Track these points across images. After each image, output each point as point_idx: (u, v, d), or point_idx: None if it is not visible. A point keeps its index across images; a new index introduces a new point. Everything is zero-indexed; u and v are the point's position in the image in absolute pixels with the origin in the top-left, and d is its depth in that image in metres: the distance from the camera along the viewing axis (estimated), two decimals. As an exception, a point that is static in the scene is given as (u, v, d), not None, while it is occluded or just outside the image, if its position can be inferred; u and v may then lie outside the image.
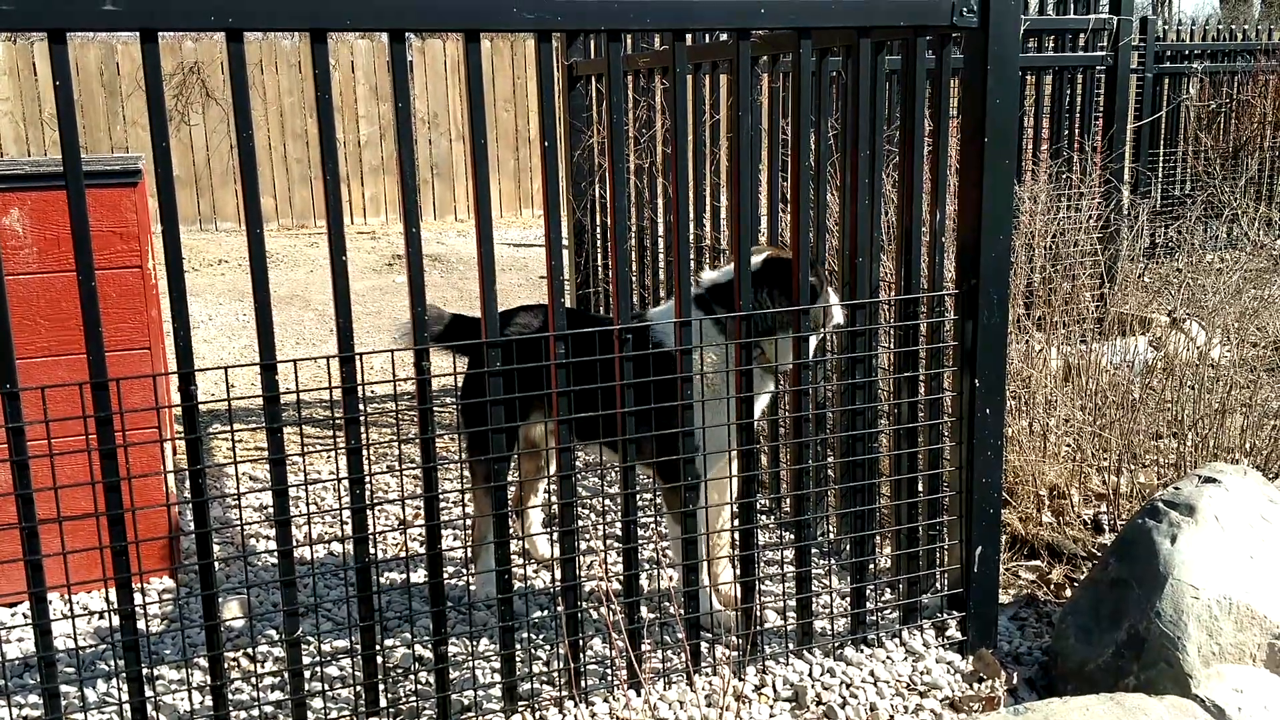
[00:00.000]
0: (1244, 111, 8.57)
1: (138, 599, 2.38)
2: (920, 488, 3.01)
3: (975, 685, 2.86)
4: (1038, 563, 3.52)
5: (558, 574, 2.70)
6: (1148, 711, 2.44)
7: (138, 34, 2.15)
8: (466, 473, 3.26)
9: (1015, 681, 2.89)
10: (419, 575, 3.49)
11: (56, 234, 3.24)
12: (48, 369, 3.25)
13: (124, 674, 2.39)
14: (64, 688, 2.74)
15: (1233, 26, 9.00)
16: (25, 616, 3.28)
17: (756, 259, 2.91)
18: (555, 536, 2.68)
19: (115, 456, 2.29)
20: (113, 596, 2.36)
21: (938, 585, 3.10)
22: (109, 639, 3.08)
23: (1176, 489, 2.93)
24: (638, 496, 2.76)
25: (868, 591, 3.04)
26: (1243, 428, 3.86)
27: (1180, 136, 8.48)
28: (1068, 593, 3.33)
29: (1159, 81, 8.10)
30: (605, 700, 2.77)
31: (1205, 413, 3.84)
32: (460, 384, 3.26)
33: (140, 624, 2.42)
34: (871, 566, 3.06)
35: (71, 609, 2.55)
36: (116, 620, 2.37)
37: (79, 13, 2.07)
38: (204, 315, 8.19)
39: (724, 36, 4.08)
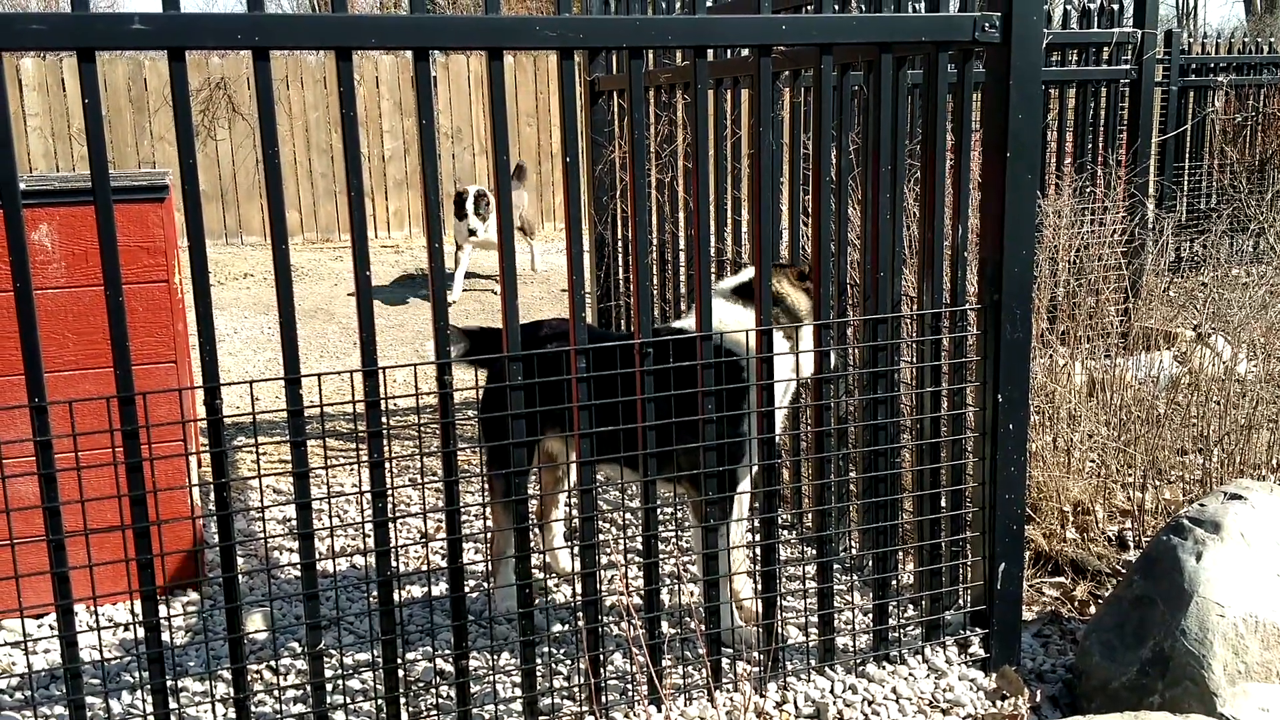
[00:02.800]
0: (1270, 124, 8.51)
1: (162, 611, 2.40)
2: (943, 503, 3.00)
3: (998, 703, 2.84)
4: (1061, 579, 3.50)
5: (579, 588, 2.70)
6: (1173, 730, 2.41)
7: (166, 52, 2.18)
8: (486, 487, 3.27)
9: (1039, 699, 2.87)
10: (440, 589, 3.50)
11: (84, 249, 3.28)
12: (75, 382, 3.29)
13: (148, 685, 2.41)
14: (89, 699, 2.76)
15: (1259, 39, 8.94)
16: (52, 628, 3.31)
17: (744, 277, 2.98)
18: (576, 551, 2.68)
19: (141, 470, 2.32)
20: (138, 608, 2.38)
21: (961, 602, 3.08)
22: (134, 650, 3.11)
23: (1202, 506, 2.91)
24: (658, 511, 2.76)
25: (890, 608, 3.02)
26: (1269, 444, 3.83)
27: (1205, 150, 8.42)
28: (1092, 610, 3.31)
29: (1184, 95, 8.05)
30: (626, 716, 2.77)
31: (1231, 428, 3.81)
32: (481, 397, 3.27)
33: (164, 636, 2.43)
34: (894, 583, 3.05)
35: (97, 621, 2.58)
36: (141, 632, 2.39)
37: (108, 32, 2.10)
38: (229, 329, 8.25)
39: (745, 52, 4.09)
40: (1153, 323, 5.04)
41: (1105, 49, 6.06)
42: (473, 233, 9.28)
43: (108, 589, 3.22)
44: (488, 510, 3.12)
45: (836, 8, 3.54)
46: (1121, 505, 3.82)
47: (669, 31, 2.49)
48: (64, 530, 2.29)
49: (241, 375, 6.79)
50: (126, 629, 3.29)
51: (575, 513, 2.70)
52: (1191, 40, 8.60)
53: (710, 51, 3.74)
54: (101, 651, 2.55)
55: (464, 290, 9.66)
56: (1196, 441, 3.96)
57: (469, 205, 9.30)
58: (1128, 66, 6.02)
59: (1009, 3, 2.67)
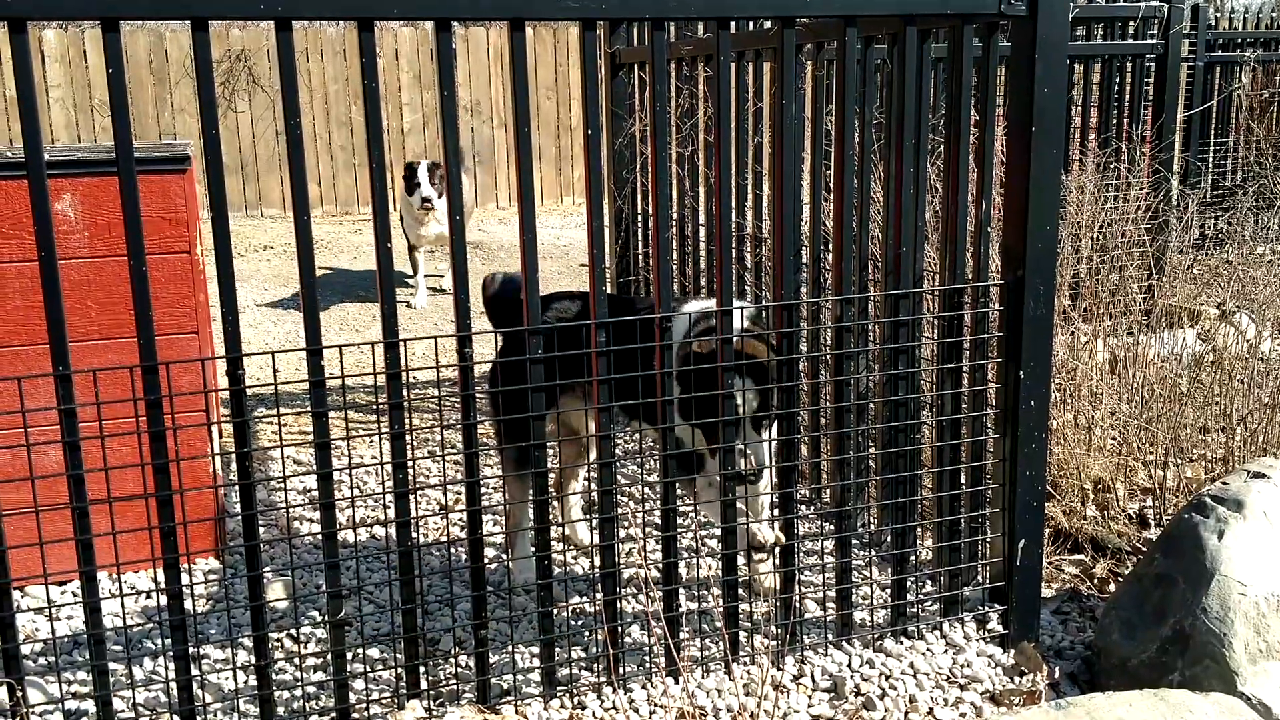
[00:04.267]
0: (1298, 101, 8.40)
1: (184, 579, 2.42)
2: (963, 480, 2.99)
3: (1016, 679, 2.84)
4: (1081, 557, 3.49)
5: (597, 561, 2.71)
6: (1192, 708, 2.41)
7: (188, 22, 2.18)
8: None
9: (1057, 676, 2.86)
10: (460, 559, 3.52)
11: (107, 219, 3.29)
12: (98, 352, 3.30)
13: (171, 652, 2.44)
14: (112, 665, 2.79)
15: (1288, 14, 8.82)
16: (75, 595, 3.34)
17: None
18: (595, 523, 2.69)
19: (164, 439, 2.33)
20: (160, 576, 2.40)
21: (979, 578, 3.08)
22: (156, 618, 3.14)
23: (1224, 484, 2.89)
24: (677, 485, 2.76)
25: (908, 583, 3.02)
26: (1293, 423, 3.80)
27: (1232, 126, 8.32)
28: (1112, 588, 3.30)
29: (1210, 70, 7.96)
30: (643, 687, 2.78)
31: (1254, 407, 3.79)
32: (497, 368, 3.27)
33: (187, 604, 2.46)
34: (912, 558, 3.05)
35: (120, 588, 2.60)
36: (164, 600, 2.41)
37: (132, 2, 2.10)
38: (249, 300, 8.29)
39: (768, 24, 4.06)
40: (1176, 300, 5.00)
41: (1131, 23, 5.99)
42: (426, 202, 7.89)
43: (130, 556, 3.25)
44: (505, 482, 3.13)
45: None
46: (1143, 483, 3.80)
47: (692, 3, 2.47)
48: (87, 498, 2.31)
49: (261, 346, 6.82)
50: (149, 596, 3.32)
51: (594, 486, 2.71)
52: (1218, 15, 8.50)
53: (732, 23, 3.71)
54: (124, 618, 2.57)
55: (430, 292, 8.47)
56: (1219, 420, 3.93)
57: (421, 174, 7.95)
58: (1154, 41, 5.96)
59: (1036, -25, 2.64)
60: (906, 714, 2.70)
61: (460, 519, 3.81)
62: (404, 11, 2.28)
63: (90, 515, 2.32)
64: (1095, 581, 3.36)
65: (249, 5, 2.17)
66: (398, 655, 2.82)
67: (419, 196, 7.88)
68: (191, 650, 2.47)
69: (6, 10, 2.04)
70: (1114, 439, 3.87)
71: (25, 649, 3.04)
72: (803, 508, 3.80)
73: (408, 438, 2.50)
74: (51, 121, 11.82)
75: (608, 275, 5.42)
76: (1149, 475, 3.78)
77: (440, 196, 7.85)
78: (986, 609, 3.02)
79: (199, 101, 2.24)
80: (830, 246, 3.03)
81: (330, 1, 2.25)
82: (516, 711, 2.71)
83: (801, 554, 3.31)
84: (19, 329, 3.26)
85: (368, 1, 2.23)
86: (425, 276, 8.41)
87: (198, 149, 8.65)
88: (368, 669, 2.86)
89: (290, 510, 3.98)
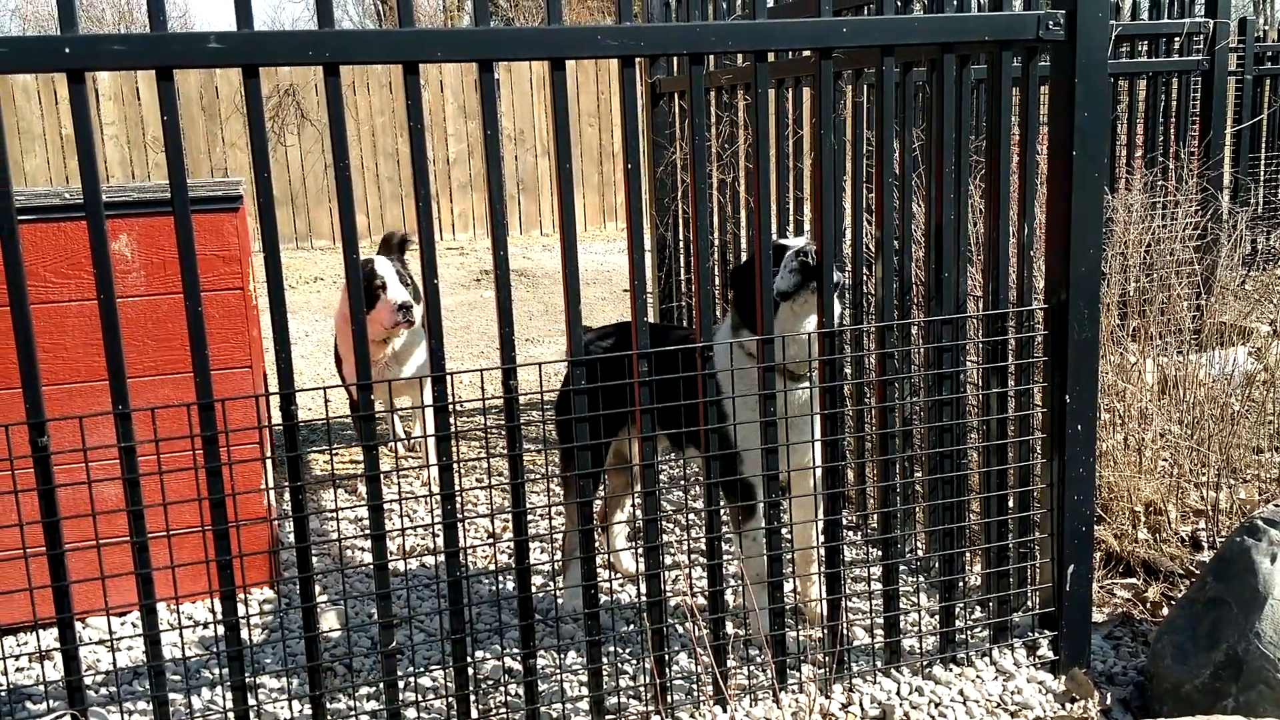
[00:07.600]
0: (1349, 113, 8.27)
1: (240, 610, 2.47)
2: (1010, 504, 2.98)
3: (1068, 705, 2.82)
4: (1133, 581, 3.45)
5: (643, 589, 2.73)
6: (1248, 735, 2.38)
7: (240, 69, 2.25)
8: (556, 487, 3.31)
9: (1109, 702, 2.84)
10: (509, 588, 3.55)
11: (162, 257, 3.38)
12: (154, 388, 3.39)
13: (228, 682, 2.48)
14: (171, 695, 2.84)
15: (1337, 25, 8.70)
16: (134, 626, 3.41)
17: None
18: (640, 552, 2.71)
19: (220, 474, 2.39)
20: (218, 608, 2.46)
21: (1029, 604, 3.05)
22: (214, 648, 3.20)
23: (1277, 506, 2.86)
24: (723, 512, 2.77)
25: (957, 609, 3.01)
26: (1349, 442, 3.74)
27: (1282, 140, 8.22)
28: (1164, 612, 3.26)
29: (1259, 84, 7.87)
30: (691, 716, 2.79)
31: (1309, 426, 3.73)
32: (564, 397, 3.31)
33: (243, 634, 2.51)
34: (961, 584, 3.04)
35: (179, 619, 2.66)
36: (221, 630, 2.46)
37: (186, 51, 2.16)
38: (300, 332, 8.41)
39: (806, 51, 4.08)
40: (1227, 318, 4.94)
41: (1176, 39, 5.95)
42: (404, 311, 4.28)
43: (188, 588, 3.32)
44: (553, 511, 3.15)
45: (899, 4, 3.53)
46: (1195, 505, 3.76)
47: (730, 37, 2.50)
48: (147, 532, 2.37)
49: (312, 377, 6.92)
50: (206, 627, 3.38)
51: (639, 514, 2.73)
52: (1267, 28, 8.39)
53: (771, 54, 3.75)
54: (183, 649, 2.63)
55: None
56: (1273, 439, 3.88)
57: (386, 271, 4.42)
58: (1200, 56, 5.91)
59: (1074, 0, 2.65)
60: (957, 741, 2.69)
61: (508, 547, 3.85)
62: (448, 55, 2.33)
63: (149, 549, 2.37)
64: (1148, 606, 3.32)
65: (299, 52, 2.24)
66: (448, 684, 2.84)
67: (388, 303, 4.33)
68: (248, 680, 2.52)
69: (68, 63, 2.11)
70: (1165, 460, 3.83)
71: (87, 679, 3.11)
72: (849, 533, 3.80)
73: (456, 468, 2.54)
74: (106, 159, 12.10)
75: (650, 303, 5.45)
76: (1201, 497, 3.74)
77: (419, 303, 4.33)
78: (1037, 635, 2.99)
79: (251, 144, 2.31)
80: (872, 270, 3.04)
81: (377, 47, 2.31)
82: (566, 740, 2.73)
83: (849, 581, 3.31)
84: (79, 366, 3.35)
85: (414, 46, 2.29)
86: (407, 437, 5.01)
87: (249, 185, 8.82)
88: (419, 698, 2.90)
89: (342, 541, 4.04)
